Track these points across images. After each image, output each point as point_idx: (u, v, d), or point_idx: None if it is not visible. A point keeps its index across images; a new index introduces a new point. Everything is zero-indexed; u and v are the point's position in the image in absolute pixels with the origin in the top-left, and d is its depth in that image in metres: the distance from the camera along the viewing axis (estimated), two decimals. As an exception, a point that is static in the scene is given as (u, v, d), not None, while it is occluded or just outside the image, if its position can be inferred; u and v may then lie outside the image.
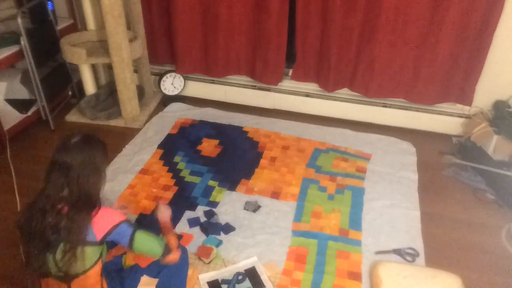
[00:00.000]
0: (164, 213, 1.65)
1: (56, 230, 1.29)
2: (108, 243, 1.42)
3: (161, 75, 3.19)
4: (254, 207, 2.24)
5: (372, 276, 1.85)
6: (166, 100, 3.25)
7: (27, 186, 2.38)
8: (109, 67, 3.17)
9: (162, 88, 3.22)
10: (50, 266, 1.34)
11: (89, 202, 1.33)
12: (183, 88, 3.25)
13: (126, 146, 2.73)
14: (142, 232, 1.41)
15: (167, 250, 1.46)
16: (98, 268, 1.37)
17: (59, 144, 1.34)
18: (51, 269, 1.34)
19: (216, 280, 1.83)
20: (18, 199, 2.27)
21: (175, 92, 3.26)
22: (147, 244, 1.42)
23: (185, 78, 3.23)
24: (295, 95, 3.12)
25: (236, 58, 3.04)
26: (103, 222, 1.33)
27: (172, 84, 3.22)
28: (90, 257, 1.34)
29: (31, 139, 2.80)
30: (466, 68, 2.67)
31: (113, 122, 2.99)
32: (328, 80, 2.91)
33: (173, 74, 3.19)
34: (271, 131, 2.91)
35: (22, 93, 2.91)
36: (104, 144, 1.43)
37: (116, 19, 2.55)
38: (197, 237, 2.06)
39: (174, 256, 1.49)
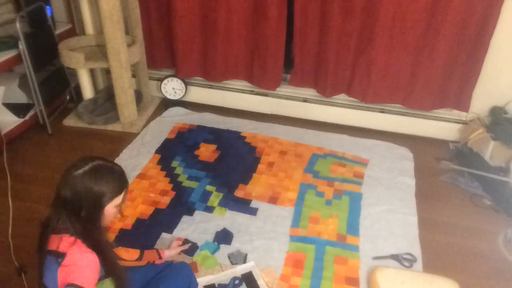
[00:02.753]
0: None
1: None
2: None
3: (161, 80, 3.20)
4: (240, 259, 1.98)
5: (370, 282, 1.85)
6: (166, 105, 3.26)
7: (23, 190, 2.37)
8: (107, 72, 3.18)
9: (163, 91, 3.23)
10: None
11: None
12: (185, 93, 3.25)
13: (124, 150, 2.72)
14: None
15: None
16: None
17: (64, 174, 1.25)
18: None
19: (213, 285, 1.82)
20: (11, 204, 2.26)
21: (177, 97, 3.27)
22: None
23: (185, 83, 3.24)
24: (293, 101, 3.12)
25: (235, 63, 3.05)
26: (69, 271, 1.19)
27: (173, 88, 3.23)
28: None
29: (28, 143, 2.79)
30: (463, 74, 2.68)
31: (110, 127, 2.99)
32: (326, 85, 2.92)
33: (174, 78, 3.19)
34: (268, 136, 2.91)
35: (20, 97, 2.90)
36: (118, 174, 1.30)
37: (114, 24, 2.56)
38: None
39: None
